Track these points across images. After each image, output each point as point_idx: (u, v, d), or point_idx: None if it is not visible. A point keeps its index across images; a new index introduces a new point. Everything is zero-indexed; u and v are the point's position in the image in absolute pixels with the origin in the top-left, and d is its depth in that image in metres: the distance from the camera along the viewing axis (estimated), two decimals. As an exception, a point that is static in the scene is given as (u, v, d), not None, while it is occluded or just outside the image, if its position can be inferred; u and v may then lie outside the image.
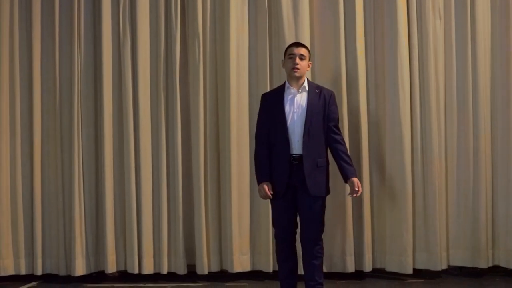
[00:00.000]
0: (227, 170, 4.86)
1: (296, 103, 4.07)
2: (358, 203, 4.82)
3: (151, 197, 4.95)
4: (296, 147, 4.02)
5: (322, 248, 4.09)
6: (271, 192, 4.05)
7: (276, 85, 4.85)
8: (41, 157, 5.00)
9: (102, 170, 4.95)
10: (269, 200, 4.68)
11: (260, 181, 4.10)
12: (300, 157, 4.00)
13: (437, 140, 4.83)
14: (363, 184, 4.76)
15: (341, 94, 4.77)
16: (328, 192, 4.12)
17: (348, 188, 4.15)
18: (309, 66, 4.19)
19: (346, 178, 4.08)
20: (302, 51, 4.11)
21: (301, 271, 4.50)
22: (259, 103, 4.87)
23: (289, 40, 4.80)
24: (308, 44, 4.69)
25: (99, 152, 5.00)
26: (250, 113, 4.91)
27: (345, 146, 4.16)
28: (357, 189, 4.03)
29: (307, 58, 4.14)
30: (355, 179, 4.05)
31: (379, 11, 4.91)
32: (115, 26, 4.99)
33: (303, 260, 4.12)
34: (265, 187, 4.05)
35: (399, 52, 4.79)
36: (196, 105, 4.89)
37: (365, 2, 4.92)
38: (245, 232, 4.89)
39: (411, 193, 4.80)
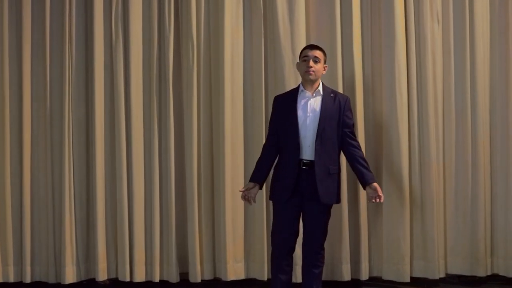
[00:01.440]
0: (221, 176, 4.78)
1: (310, 107, 3.98)
2: (354, 210, 4.76)
3: (143, 204, 4.86)
4: (307, 153, 3.92)
5: (323, 257, 4.03)
6: (249, 197, 4.02)
7: (271, 89, 4.80)
8: (30, 162, 4.90)
9: (93, 176, 4.85)
10: (265, 207, 4.63)
11: (249, 180, 4.07)
12: (310, 163, 3.91)
13: (435, 145, 4.75)
14: (359, 191, 4.71)
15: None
16: (338, 200, 4.04)
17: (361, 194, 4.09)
18: (324, 70, 4.08)
19: (366, 183, 3.98)
20: (317, 53, 4.02)
21: (296, 279, 4.43)
22: (253, 106, 4.83)
23: (285, 42, 4.75)
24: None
25: (90, 157, 4.90)
26: (245, 117, 4.83)
27: (362, 152, 4.06)
28: (381, 194, 3.96)
29: (322, 61, 4.04)
30: (377, 185, 3.98)
31: (376, 14, 4.84)
32: (107, 28, 4.89)
33: (302, 268, 4.06)
34: (245, 188, 4.04)
35: (397, 56, 4.71)
36: (190, 109, 4.80)
37: (362, 5, 4.85)
38: (239, 239, 4.80)
39: (408, 200, 4.72)
